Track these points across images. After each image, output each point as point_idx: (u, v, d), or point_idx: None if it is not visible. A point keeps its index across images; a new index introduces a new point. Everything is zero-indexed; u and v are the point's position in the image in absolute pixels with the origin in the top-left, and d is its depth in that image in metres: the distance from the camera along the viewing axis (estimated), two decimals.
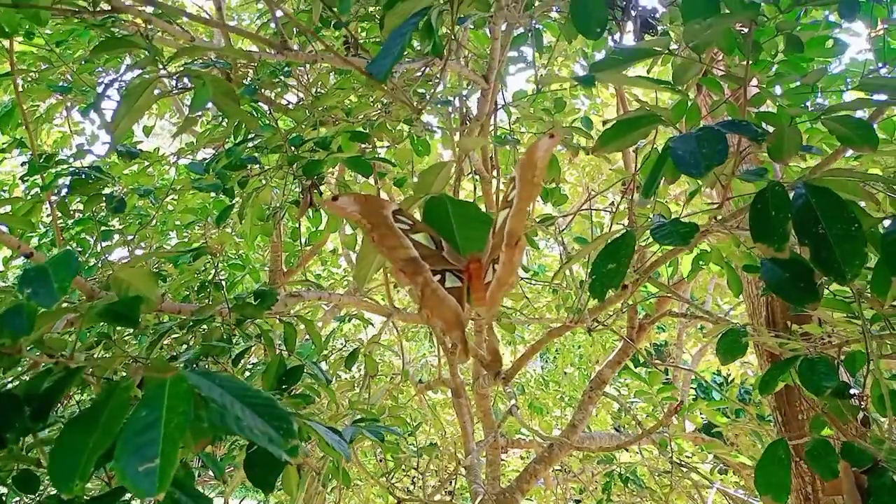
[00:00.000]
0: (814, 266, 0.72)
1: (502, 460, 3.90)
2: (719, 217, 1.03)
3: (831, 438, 1.16)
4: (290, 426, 0.54)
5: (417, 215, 0.72)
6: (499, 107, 2.21)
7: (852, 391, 1.24)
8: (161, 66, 0.87)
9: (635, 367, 4.20)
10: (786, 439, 1.01)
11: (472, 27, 2.29)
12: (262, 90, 1.90)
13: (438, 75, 1.80)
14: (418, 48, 1.77)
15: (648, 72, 2.11)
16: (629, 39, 1.96)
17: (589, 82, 0.84)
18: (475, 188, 2.30)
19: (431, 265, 0.67)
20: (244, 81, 1.89)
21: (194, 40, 1.14)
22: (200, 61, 1.40)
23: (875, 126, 1.23)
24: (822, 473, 0.95)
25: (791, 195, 0.76)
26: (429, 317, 0.67)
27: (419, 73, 1.87)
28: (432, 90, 1.92)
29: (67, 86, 2.02)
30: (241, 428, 0.53)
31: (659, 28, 1.95)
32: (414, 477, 4.53)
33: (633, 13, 1.97)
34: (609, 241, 0.90)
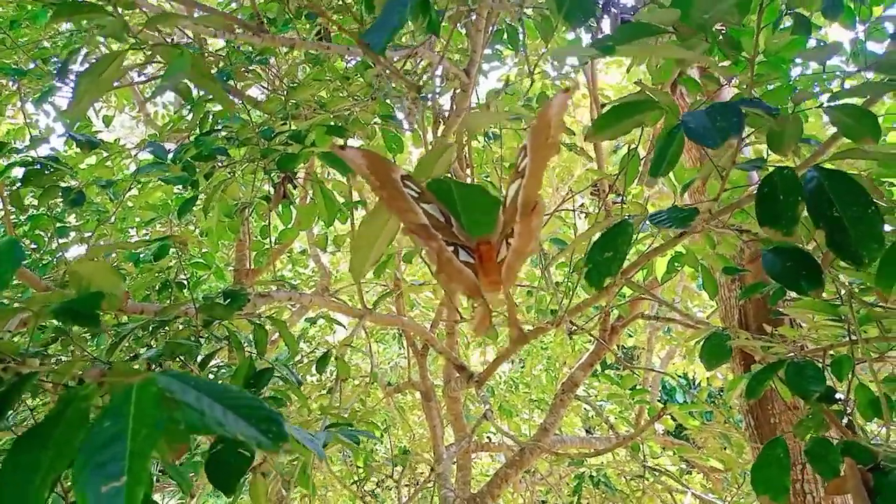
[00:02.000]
0: (829, 250, 0.69)
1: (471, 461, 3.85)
2: (713, 210, 0.99)
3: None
4: (280, 428, 0.48)
5: None
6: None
7: (837, 395, 1.22)
8: (132, 36, 0.80)
9: (602, 370, 4.20)
10: (783, 438, 0.98)
11: (445, 23, 2.25)
12: (233, 82, 1.82)
13: (418, 67, 1.75)
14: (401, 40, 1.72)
15: (628, 71, 2.09)
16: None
17: (610, 51, 0.80)
18: None
19: (442, 237, 0.63)
20: (213, 71, 1.81)
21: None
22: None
23: None
24: (824, 473, 0.92)
25: (802, 179, 0.73)
26: (447, 281, 0.62)
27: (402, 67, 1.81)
28: (421, 76, 1.87)
29: (22, 70, 1.90)
30: (225, 432, 0.47)
31: None
32: (380, 480, 4.45)
33: (611, 10, 1.96)
34: (606, 230, 0.86)
